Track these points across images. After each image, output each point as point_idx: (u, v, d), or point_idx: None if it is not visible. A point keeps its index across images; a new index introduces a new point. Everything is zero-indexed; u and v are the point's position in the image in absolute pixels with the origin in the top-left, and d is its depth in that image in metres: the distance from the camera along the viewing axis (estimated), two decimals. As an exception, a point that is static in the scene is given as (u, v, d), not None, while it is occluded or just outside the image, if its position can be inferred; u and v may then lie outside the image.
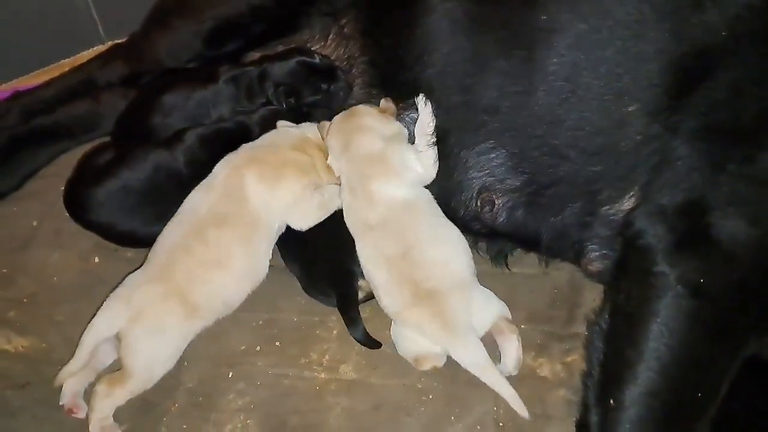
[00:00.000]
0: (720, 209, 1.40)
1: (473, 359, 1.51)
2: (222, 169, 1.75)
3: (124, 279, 1.65)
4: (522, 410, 1.48)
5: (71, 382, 1.57)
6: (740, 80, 1.49)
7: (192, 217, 1.69)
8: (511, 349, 1.58)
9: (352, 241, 1.69)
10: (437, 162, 1.73)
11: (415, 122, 1.79)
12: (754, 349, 1.40)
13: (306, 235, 1.75)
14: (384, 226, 1.64)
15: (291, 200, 1.72)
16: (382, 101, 1.84)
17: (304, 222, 1.73)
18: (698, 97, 1.52)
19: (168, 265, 1.62)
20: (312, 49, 2.05)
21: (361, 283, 1.70)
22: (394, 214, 1.66)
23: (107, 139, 2.06)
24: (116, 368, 1.59)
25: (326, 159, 1.77)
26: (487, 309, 1.59)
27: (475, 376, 1.54)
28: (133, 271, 1.68)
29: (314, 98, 1.97)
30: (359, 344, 1.67)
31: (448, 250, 1.64)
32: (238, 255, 1.66)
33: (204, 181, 1.75)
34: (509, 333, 1.58)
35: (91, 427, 1.52)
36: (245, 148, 1.79)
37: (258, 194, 1.70)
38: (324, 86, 1.95)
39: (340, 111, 1.87)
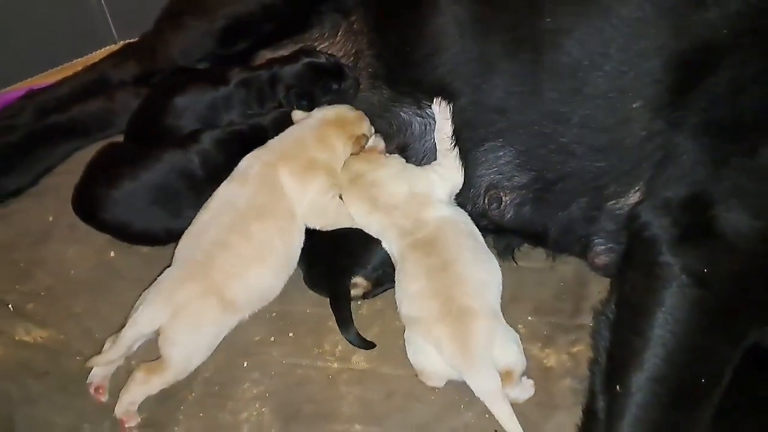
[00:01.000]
0: (723, 202, 1.43)
1: (488, 388, 1.51)
2: (252, 163, 1.78)
3: (161, 273, 1.68)
4: None
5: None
6: (741, 77, 1.52)
7: (231, 210, 1.71)
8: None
9: (351, 240, 1.74)
10: (460, 166, 1.77)
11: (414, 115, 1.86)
12: (755, 337, 1.44)
13: (311, 232, 1.79)
14: (430, 243, 1.67)
15: (314, 197, 1.76)
16: (372, 140, 1.86)
17: (318, 221, 1.77)
18: (700, 93, 1.55)
19: (206, 263, 1.64)
20: (321, 46, 2.09)
21: (357, 280, 1.74)
22: (440, 233, 1.68)
23: (117, 138, 2.10)
24: (151, 356, 1.64)
25: (347, 137, 1.81)
26: (506, 350, 1.56)
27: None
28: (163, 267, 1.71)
29: (327, 98, 1.99)
30: (370, 335, 1.71)
31: (486, 276, 1.66)
32: (277, 247, 1.70)
33: (234, 175, 1.78)
34: (508, 384, 1.55)
35: (117, 407, 1.57)
36: (273, 144, 1.82)
37: (291, 188, 1.74)
38: (335, 86, 1.99)
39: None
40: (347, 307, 1.71)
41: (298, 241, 1.76)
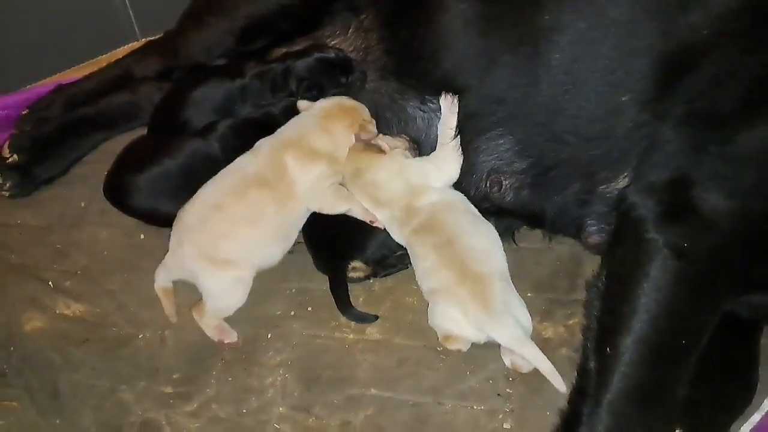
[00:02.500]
0: (702, 184, 1.52)
1: (514, 336, 1.63)
2: (262, 144, 1.90)
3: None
4: (560, 384, 1.61)
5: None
6: (720, 73, 1.60)
7: (237, 174, 1.84)
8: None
9: (350, 228, 1.84)
10: (459, 160, 1.85)
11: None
12: (731, 304, 1.56)
13: (315, 218, 1.89)
14: (429, 226, 1.77)
15: (314, 183, 1.86)
16: (389, 138, 1.93)
17: (317, 204, 1.86)
18: (683, 88, 1.64)
19: (196, 226, 1.77)
20: (332, 42, 2.18)
21: (356, 264, 1.85)
22: (436, 215, 1.78)
23: (142, 130, 2.20)
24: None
25: (347, 124, 1.91)
26: (518, 311, 1.68)
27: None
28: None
29: (336, 91, 2.09)
30: (382, 310, 1.83)
31: (489, 242, 1.77)
32: (271, 215, 1.80)
33: (249, 152, 1.90)
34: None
35: (209, 333, 1.79)
36: (280, 132, 1.93)
37: (294, 172, 1.85)
38: (343, 79, 2.09)
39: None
40: (344, 290, 1.81)
41: (296, 217, 1.86)
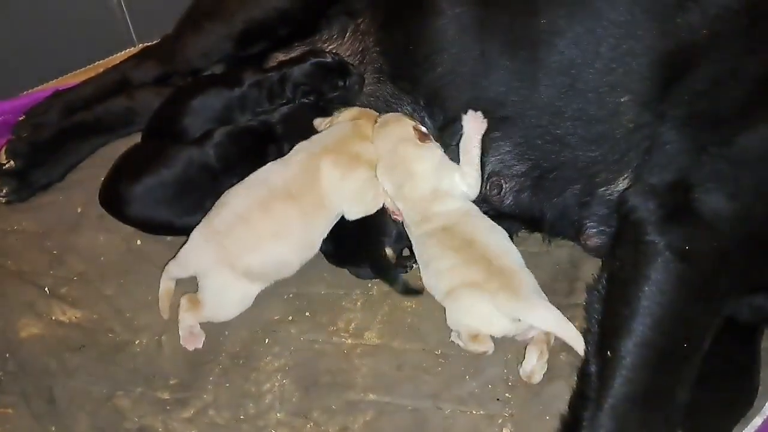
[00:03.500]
0: (702, 186, 1.52)
1: (550, 315, 1.63)
2: (298, 150, 1.89)
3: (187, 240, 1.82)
4: None
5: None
6: (719, 73, 1.61)
7: (263, 186, 1.82)
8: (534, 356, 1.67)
9: (376, 219, 1.84)
10: (479, 180, 1.83)
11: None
12: (733, 307, 1.55)
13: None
14: (446, 229, 1.77)
15: (357, 188, 1.85)
16: (415, 128, 1.87)
17: (359, 209, 1.86)
18: (683, 89, 1.64)
19: (223, 232, 1.76)
20: (329, 47, 2.19)
21: (387, 251, 1.85)
22: (453, 220, 1.78)
23: (139, 136, 2.18)
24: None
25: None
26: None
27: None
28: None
29: (334, 94, 2.10)
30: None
31: (506, 243, 1.77)
32: (296, 230, 1.79)
33: (281, 159, 1.89)
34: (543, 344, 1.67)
35: (180, 331, 1.76)
36: (317, 138, 1.92)
37: (330, 179, 1.82)
38: (341, 83, 2.08)
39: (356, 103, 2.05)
40: (390, 268, 1.82)
41: (322, 228, 1.84)
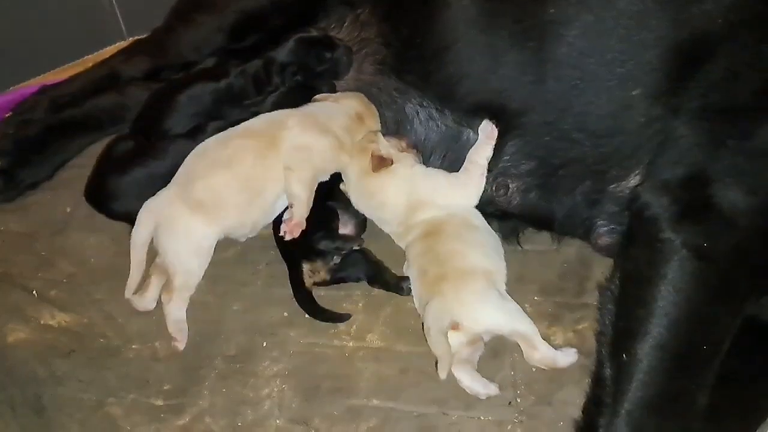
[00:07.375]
0: (720, 180, 1.48)
1: (491, 317, 1.60)
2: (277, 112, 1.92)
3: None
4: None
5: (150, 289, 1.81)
6: (736, 63, 1.57)
7: (228, 132, 1.87)
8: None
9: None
10: (481, 190, 1.79)
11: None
12: (753, 307, 1.49)
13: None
14: (426, 237, 1.74)
15: (310, 149, 1.81)
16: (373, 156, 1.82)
17: (294, 171, 1.80)
18: (697, 80, 1.60)
19: (180, 173, 1.80)
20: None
21: (309, 266, 1.78)
22: (434, 228, 1.75)
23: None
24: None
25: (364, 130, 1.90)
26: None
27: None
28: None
29: (323, 67, 2.04)
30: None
31: (481, 248, 1.71)
32: (248, 161, 1.79)
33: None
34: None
35: (168, 328, 1.75)
36: (303, 107, 1.92)
37: (292, 130, 1.83)
38: (328, 54, 2.03)
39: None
40: (306, 294, 1.77)
41: (272, 174, 1.80)
